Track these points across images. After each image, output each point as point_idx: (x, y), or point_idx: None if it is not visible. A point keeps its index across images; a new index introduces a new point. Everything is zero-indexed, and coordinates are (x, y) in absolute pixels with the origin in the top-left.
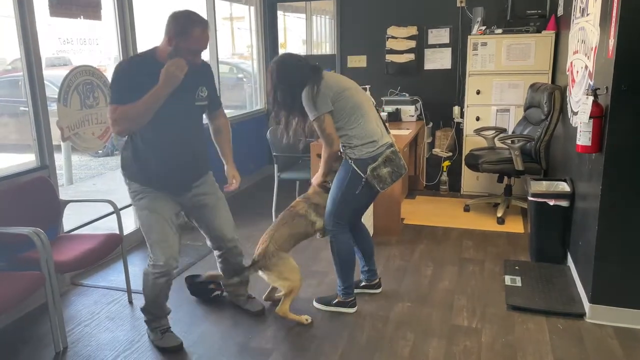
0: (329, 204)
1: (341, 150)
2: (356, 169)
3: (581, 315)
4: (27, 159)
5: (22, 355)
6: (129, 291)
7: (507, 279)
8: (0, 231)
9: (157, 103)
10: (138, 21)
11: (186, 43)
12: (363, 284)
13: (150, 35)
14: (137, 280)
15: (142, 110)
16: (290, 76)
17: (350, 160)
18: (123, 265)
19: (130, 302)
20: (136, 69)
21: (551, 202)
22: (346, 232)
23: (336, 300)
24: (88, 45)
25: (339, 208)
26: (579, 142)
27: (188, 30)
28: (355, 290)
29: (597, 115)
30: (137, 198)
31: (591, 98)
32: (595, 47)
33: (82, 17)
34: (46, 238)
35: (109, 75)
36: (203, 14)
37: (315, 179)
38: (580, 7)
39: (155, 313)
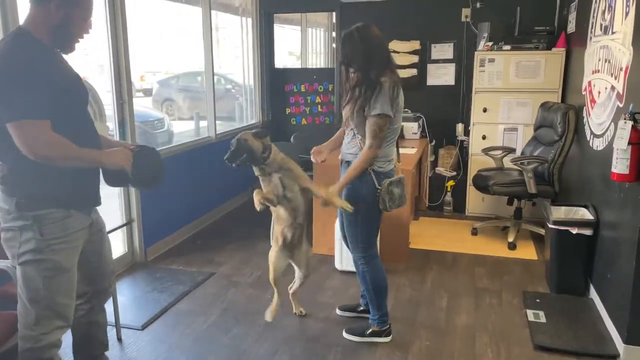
0: (353, 234)
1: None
2: (374, 180)
3: (614, 357)
4: None
5: None
6: (117, 326)
7: (530, 314)
8: None
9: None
10: (130, 29)
11: (80, 10)
12: (361, 308)
13: (143, 42)
14: (127, 313)
15: (74, 162)
16: (372, 50)
17: (371, 174)
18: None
19: (119, 339)
20: (39, 61)
21: (574, 231)
22: (377, 257)
23: (370, 330)
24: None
25: (364, 230)
26: (614, 170)
27: None
28: (351, 315)
29: (637, 141)
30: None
31: (630, 123)
32: (627, 67)
33: None
34: None
35: (94, 84)
36: (199, 24)
37: (339, 185)
38: (601, 24)
39: None
